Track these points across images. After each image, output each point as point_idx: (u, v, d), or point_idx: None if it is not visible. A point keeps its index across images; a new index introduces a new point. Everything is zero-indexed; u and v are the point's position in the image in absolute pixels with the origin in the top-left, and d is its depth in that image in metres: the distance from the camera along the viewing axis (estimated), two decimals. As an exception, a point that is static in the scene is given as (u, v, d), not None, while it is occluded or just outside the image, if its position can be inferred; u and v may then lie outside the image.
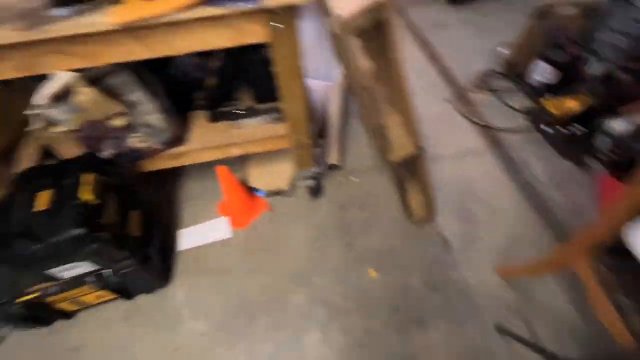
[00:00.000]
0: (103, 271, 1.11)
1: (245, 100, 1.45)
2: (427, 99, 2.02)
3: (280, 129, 1.34)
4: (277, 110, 1.36)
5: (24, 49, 0.82)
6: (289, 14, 0.87)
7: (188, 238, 1.50)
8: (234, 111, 1.39)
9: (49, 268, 1.02)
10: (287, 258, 1.42)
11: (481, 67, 2.14)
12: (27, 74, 0.87)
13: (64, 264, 1.02)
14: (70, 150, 1.13)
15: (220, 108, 1.42)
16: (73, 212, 0.96)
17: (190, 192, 1.68)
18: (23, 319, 1.17)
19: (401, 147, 1.09)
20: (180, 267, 1.42)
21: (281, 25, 0.89)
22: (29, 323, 1.21)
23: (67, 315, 1.28)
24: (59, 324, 1.29)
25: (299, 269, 1.39)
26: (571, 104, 1.59)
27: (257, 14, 0.86)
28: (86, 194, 1.00)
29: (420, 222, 1.47)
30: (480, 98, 2.02)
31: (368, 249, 1.43)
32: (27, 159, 1.21)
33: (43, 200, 0.99)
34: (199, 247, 1.47)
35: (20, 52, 0.83)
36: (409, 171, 1.30)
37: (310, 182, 1.55)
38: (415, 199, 1.43)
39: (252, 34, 0.91)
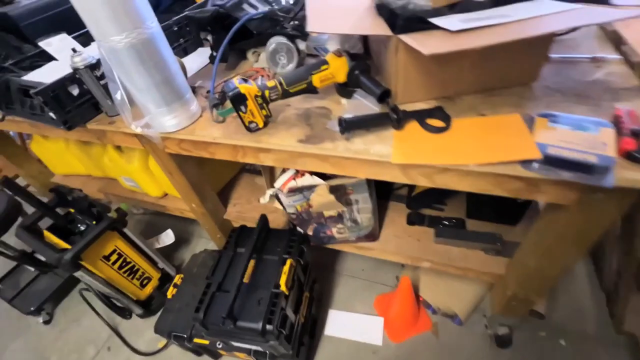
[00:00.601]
0: (266, 352, 1.09)
1: (455, 208, 1.23)
2: None
3: (495, 266, 1.06)
4: (497, 240, 1.08)
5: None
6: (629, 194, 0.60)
7: (336, 324, 1.39)
8: (439, 219, 1.20)
9: (229, 339, 1.04)
10: (447, 419, 1.12)
11: None
12: (282, 166, 0.89)
13: (241, 343, 1.03)
14: (279, 222, 1.16)
15: (422, 208, 1.25)
16: (269, 302, 0.95)
17: (351, 265, 1.57)
18: (187, 348, 1.28)
19: None
20: (321, 356, 1.31)
21: (601, 195, 0.63)
22: (190, 350, 1.31)
23: (219, 355, 1.35)
24: (205, 358, 1.37)
25: None
26: None
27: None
28: (283, 284, 0.98)
29: None
30: None
31: None
32: (244, 217, 1.34)
33: (249, 270, 1.02)
34: (344, 340, 1.33)
35: (298, 153, 0.82)
36: None
37: (501, 330, 1.19)
38: None
39: (546, 193, 0.67)
